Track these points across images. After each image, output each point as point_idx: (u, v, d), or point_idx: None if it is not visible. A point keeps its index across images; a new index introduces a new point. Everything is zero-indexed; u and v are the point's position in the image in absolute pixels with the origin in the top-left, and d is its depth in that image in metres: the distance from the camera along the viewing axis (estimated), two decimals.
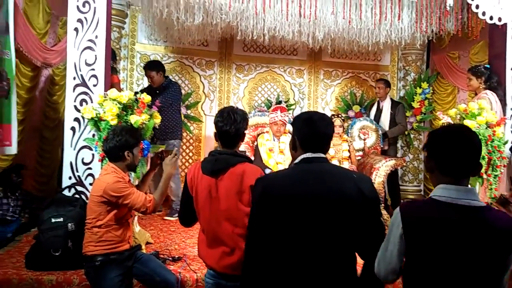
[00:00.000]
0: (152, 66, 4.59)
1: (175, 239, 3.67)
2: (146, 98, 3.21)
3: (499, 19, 3.84)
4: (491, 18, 3.83)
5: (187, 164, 5.72)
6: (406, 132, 5.97)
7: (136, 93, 3.31)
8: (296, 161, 1.70)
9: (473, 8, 3.76)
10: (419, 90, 5.98)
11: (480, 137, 3.39)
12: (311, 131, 1.71)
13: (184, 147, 5.73)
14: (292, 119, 1.89)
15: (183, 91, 5.69)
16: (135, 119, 3.08)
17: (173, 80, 4.98)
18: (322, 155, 1.69)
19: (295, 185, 1.61)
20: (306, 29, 4.28)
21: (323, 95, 6.18)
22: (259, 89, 5.99)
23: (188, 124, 5.67)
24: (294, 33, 4.30)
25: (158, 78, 4.56)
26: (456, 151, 1.47)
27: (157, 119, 3.34)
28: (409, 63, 6.11)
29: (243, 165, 1.99)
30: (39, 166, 4.53)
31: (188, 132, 5.68)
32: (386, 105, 5.39)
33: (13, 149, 3.54)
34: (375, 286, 1.64)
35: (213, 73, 5.83)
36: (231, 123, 2.03)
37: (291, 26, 4.13)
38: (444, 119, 3.63)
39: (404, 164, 5.42)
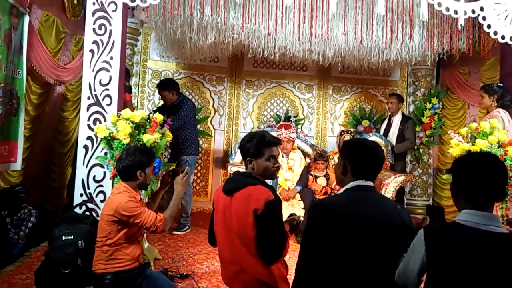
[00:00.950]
0: (164, 86, 4.62)
1: (183, 255, 3.65)
2: (159, 117, 3.22)
3: (511, 38, 3.81)
4: (502, 37, 3.80)
5: (195, 177, 5.72)
6: (416, 147, 5.92)
7: (150, 113, 3.33)
8: (348, 186, 1.75)
9: (485, 28, 3.73)
10: (428, 105, 5.93)
11: None
12: (367, 158, 1.75)
13: None
14: (339, 145, 1.93)
15: None
16: (147, 138, 3.08)
17: (186, 96, 4.99)
18: (372, 183, 1.75)
19: (352, 210, 1.65)
20: (317, 48, 4.29)
21: (332, 110, 6.17)
22: (268, 104, 6.00)
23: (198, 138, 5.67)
24: (305, 51, 4.32)
25: (170, 97, 4.60)
26: (482, 180, 1.50)
27: (169, 137, 3.34)
28: (419, 79, 6.08)
29: (253, 188, 2.01)
30: (49, 180, 4.55)
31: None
32: (396, 120, 5.37)
33: (17, 165, 3.62)
34: None
35: (223, 88, 5.87)
36: (246, 141, 2.12)
37: (301, 45, 4.14)
38: (455, 138, 3.58)
39: (414, 180, 5.36)
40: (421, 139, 5.90)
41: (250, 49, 4.39)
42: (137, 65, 5.56)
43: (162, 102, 5.27)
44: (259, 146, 2.09)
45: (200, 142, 5.72)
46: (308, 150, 5.15)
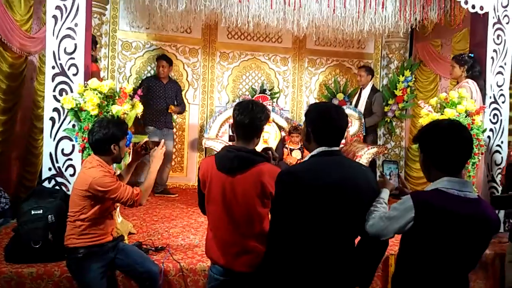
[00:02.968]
0: (169, 59, 5.11)
1: (158, 229, 3.64)
2: (128, 88, 3.13)
3: (481, 8, 3.87)
4: (473, 6, 3.86)
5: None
6: (388, 120, 6.02)
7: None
8: (314, 153, 1.73)
9: None
10: (401, 78, 6.00)
11: None
12: (328, 126, 1.73)
13: None
14: (305, 111, 1.85)
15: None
16: (116, 109, 3.01)
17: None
18: (337, 148, 1.74)
19: (320, 177, 1.65)
20: (291, 17, 4.23)
21: (307, 83, 6.16)
22: (243, 77, 5.93)
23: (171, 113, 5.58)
24: (279, 20, 4.26)
25: (168, 71, 5.07)
26: (451, 148, 1.60)
27: (139, 109, 3.27)
28: (393, 51, 6.12)
29: (263, 166, 1.89)
30: (29, 155, 4.42)
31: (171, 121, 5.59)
32: (365, 93, 5.46)
33: None
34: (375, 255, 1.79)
35: (197, 60, 5.74)
36: (247, 112, 1.94)
37: (275, 14, 4.08)
38: (425, 108, 3.65)
39: (386, 151, 5.48)
40: (394, 112, 6.00)
41: (223, 18, 4.29)
42: (106, 35, 5.36)
43: (135, 75, 5.17)
44: (266, 120, 2.02)
45: (175, 116, 5.64)
46: (283, 123, 5.16)
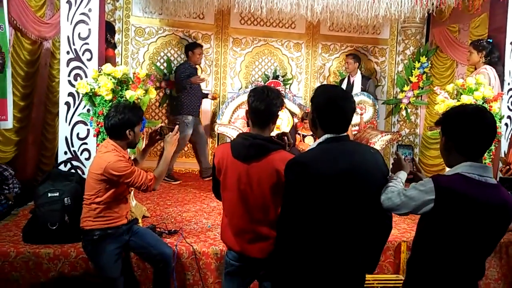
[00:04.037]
0: (202, 46, 5.22)
1: (172, 213, 3.69)
2: (141, 73, 3.15)
3: None
4: None
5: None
6: (403, 106, 5.95)
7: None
8: (321, 140, 1.70)
9: None
10: (417, 65, 5.89)
11: None
12: (335, 112, 1.69)
13: None
14: (312, 95, 1.80)
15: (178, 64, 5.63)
16: (130, 94, 3.03)
17: None
18: (344, 134, 1.72)
19: (327, 166, 1.62)
20: (305, 2, 4.16)
21: (321, 70, 6.10)
22: (256, 63, 5.90)
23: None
24: (293, 6, 4.20)
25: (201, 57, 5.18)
26: (476, 133, 1.59)
27: (152, 94, 3.29)
28: (409, 37, 5.99)
29: (278, 154, 1.88)
30: (45, 140, 4.51)
31: None
32: (357, 80, 5.46)
33: (8, 124, 3.51)
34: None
35: (210, 46, 5.72)
36: (262, 99, 1.91)
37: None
38: (441, 94, 3.59)
39: (400, 138, 5.42)
40: (409, 98, 5.91)
41: (236, 4, 4.25)
42: (119, 21, 5.37)
43: (148, 61, 5.19)
44: (281, 106, 1.99)
45: None
46: (296, 109, 5.14)
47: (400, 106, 5.99)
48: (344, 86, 5.52)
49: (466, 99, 3.42)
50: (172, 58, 5.61)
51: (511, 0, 3.85)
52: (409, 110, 5.99)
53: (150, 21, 5.50)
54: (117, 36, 5.31)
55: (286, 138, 2.11)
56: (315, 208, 1.62)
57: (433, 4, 4.24)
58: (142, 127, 3.11)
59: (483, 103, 3.45)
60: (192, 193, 4.53)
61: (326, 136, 1.69)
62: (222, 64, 5.78)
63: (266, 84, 4.89)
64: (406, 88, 5.90)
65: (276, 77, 5.75)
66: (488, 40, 3.95)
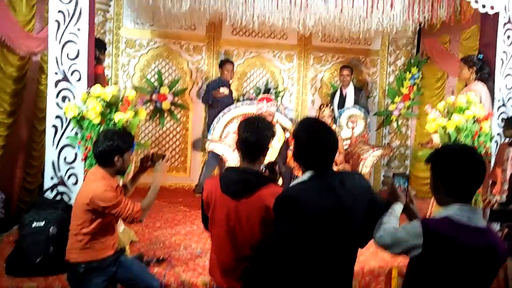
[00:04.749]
0: (232, 62, 5.30)
1: (161, 236, 3.61)
2: (131, 95, 3.08)
3: (492, 8, 3.76)
4: (483, 6, 3.75)
5: (173, 152, 5.63)
6: (394, 118, 5.94)
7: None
8: (305, 179, 1.66)
9: None
10: (408, 76, 5.89)
11: (466, 132, 3.39)
12: (319, 151, 1.66)
13: (171, 135, 5.63)
14: (294, 128, 1.79)
15: (170, 78, 5.57)
16: (119, 117, 2.96)
17: None
18: (329, 169, 1.69)
19: (317, 200, 1.60)
20: (297, 16, 4.15)
21: (313, 81, 6.08)
22: (248, 74, 5.86)
23: (175, 111, 5.54)
24: (285, 20, 4.18)
25: (233, 73, 5.29)
26: (465, 175, 1.57)
27: (142, 116, 3.22)
28: (400, 47, 6.00)
29: (268, 189, 1.84)
30: (30, 159, 4.39)
31: (175, 120, 5.57)
32: (350, 92, 5.46)
33: None
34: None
35: (201, 58, 5.67)
36: (253, 130, 1.89)
37: (281, 13, 3.99)
38: (432, 113, 3.58)
39: (391, 153, 5.41)
40: (400, 110, 5.90)
41: (228, 17, 4.20)
42: (110, 33, 5.29)
43: (139, 73, 5.08)
44: (272, 138, 1.97)
45: (178, 115, 5.60)
46: (287, 124, 5.09)
47: (391, 118, 5.98)
48: (336, 98, 5.50)
49: (457, 119, 3.41)
50: (163, 71, 5.54)
51: (501, 16, 3.84)
52: (400, 122, 5.99)
53: (141, 32, 5.43)
54: (107, 48, 5.23)
55: (277, 167, 2.07)
56: (303, 242, 1.59)
57: (424, 17, 4.24)
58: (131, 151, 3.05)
59: (474, 122, 3.44)
60: (182, 211, 4.45)
61: (308, 174, 1.66)
62: (214, 76, 5.72)
63: (258, 97, 4.84)
64: (397, 99, 5.90)
65: (267, 90, 5.71)
66: (479, 56, 3.94)
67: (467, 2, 3.75)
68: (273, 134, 1.97)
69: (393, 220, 1.70)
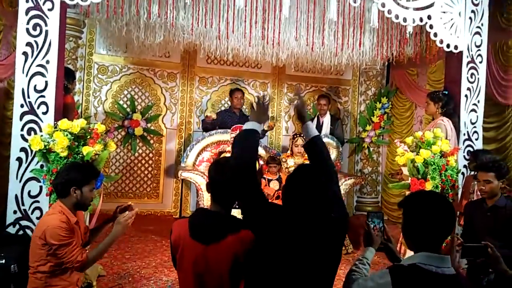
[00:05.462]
0: (241, 90, 5.34)
1: (130, 269, 3.51)
2: (100, 127, 3.02)
3: (455, 47, 3.94)
4: (448, 46, 3.92)
5: (145, 178, 5.53)
6: (365, 146, 6.08)
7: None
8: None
9: (432, 36, 3.83)
10: (378, 105, 6.08)
11: (434, 166, 3.49)
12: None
13: (143, 161, 5.54)
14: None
15: (143, 104, 5.52)
16: (87, 150, 2.89)
17: None
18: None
19: (283, 239, 1.63)
20: (270, 51, 4.23)
21: (287, 109, 6.16)
22: (223, 102, 5.88)
23: (148, 138, 5.48)
24: (258, 54, 4.24)
25: (243, 102, 5.34)
26: (433, 224, 1.59)
27: (112, 148, 3.15)
28: (370, 78, 6.19)
29: (238, 235, 1.77)
30: None
31: (148, 147, 5.49)
32: (326, 121, 5.55)
33: None
34: None
35: (175, 85, 5.67)
36: (224, 172, 1.82)
37: (254, 48, 4.05)
38: (401, 147, 3.67)
39: (363, 182, 5.50)
40: (371, 138, 6.05)
41: (202, 49, 4.24)
42: (82, 59, 5.22)
43: (111, 99, 4.99)
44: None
45: (151, 141, 5.53)
46: (261, 151, 5.11)
47: (363, 145, 6.13)
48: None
49: (425, 153, 3.51)
50: (136, 97, 5.49)
51: (465, 55, 4.02)
52: (371, 149, 6.13)
53: (114, 59, 5.39)
54: (78, 74, 5.16)
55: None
56: (269, 273, 1.60)
57: (392, 54, 4.40)
58: (99, 183, 2.96)
59: (440, 157, 3.55)
60: (153, 241, 4.34)
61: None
62: (188, 103, 5.71)
63: (231, 128, 4.84)
64: (368, 127, 6.06)
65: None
66: (444, 91, 4.10)
67: (433, 41, 3.92)
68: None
69: (362, 269, 1.72)
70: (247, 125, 1.92)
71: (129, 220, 2.29)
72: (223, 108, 5.66)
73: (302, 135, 4.91)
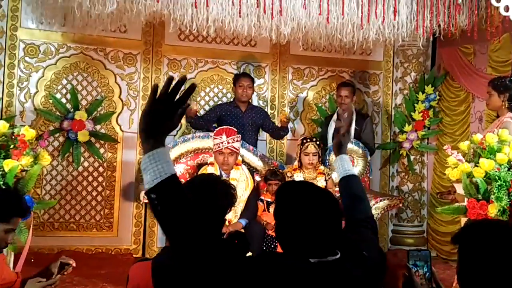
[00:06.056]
0: (249, 76, 5.55)
1: None
2: (28, 133, 3.03)
3: None
4: None
5: (94, 203, 5.54)
6: (404, 153, 6.10)
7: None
8: None
9: (493, 2, 3.88)
10: (421, 96, 6.11)
11: (499, 182, 3.51)
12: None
13: (90, 178, 5.57)
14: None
15: (89, 98, 5.53)
16: (10, 165, 2.90)
17: None
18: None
19: None
20: (267, 22, 4.26)
21: (292, 102, 6.19)
22: (202, 93, 5.92)
23: (97, 145, 5.49)
24: (251, 27, 4.28)
25: (252, 92, 5.50)
26: (508, 272, 1.56)
27: (45, 161, 3.16)
28: (409, 59, 6.24)
29: None
30: None
31: (96, 158, 5.50)
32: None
33: None
34: None
35: (135, 71, 5.69)
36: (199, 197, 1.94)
37: (246, 19, 4.09)
38: (453, 155, 3.70)
39: (402, 204, 5.52)
40: (412, 142, 6.08)
41: (171, 21, 4.26)
42: (2, 35, 5.22)
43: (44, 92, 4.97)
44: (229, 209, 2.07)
45: (102, 150, 5.53)
46: (257, 163, 5.14)
47: (401, 153, 6.15)
48: (332, 126, 5.57)
49: (487, 164, 3.53)
50: (79, 87, 5.51)
51: None
52: (412, 158, 6.15)
53: (48, 35, 5.42)
54: None
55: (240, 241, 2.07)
56: None
57: (439, 26, 4.45)
58: (27, 215, 2.97)
59: (509, 168, 3.57)
60: None
61: None
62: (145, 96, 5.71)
63: (215, 132, 4.84)
64: (407, 128, 6.09)
65: None
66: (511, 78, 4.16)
67: (494, 7, 3.97)
68: (229, 203, 1.97)
69: None
70: None
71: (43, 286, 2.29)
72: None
73: (315, 139, 4.96)
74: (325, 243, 1.66)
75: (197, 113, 5.27)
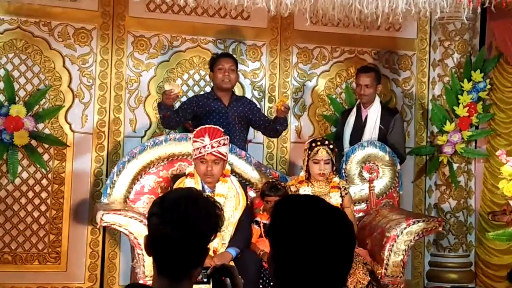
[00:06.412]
0: (231, 55, 5.62)
1: None
2: None
3: None
4: None
5: (35, 226, 5.56)
6: (445, 160, 6.12)
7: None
8: None
9: None
10: (467, 85, 6.14)
11: None
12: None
13: (30, 194, 5.60)
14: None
15: (29, 87, 5.56)
16: None
17: None
18: None
19: None
20: None
21: (297, 93, 6.22)
22: (178, 81, 5.91)
23: (40, 150, 5.53)
24: None
25: (236, 77, 5.46)
26: None
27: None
28: (451, 37, 6.27)
29: None
30: None
31: (39, 167, 5.53)
32: (373, 115, 5.64)
33: None
34: None
35: (89, 51, 5.73)
36: (175, 220, 1.91)
37: None
38: (509, 163, 3.74)
39: (441, 228, 5.54)
40: (455, 145, 6.10)
41: None
42: None
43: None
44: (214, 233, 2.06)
45: (46, 156, 5.55)
46: (252, 174, 5.15)
47: (440, 160, 6.19)
48: (349, 124, 5.68)
49: None
50: (16, 74, 5.54)
51: None
52: (455, 167, 6.18)
53: None
54: None
55: (228, 280, 2.10)
56: None
57: None
58: None
59: None
60: None
61: None
62: (114, 84, 5.74)
63: (194, 132, 4.84)
64: (448, 127, 6.10)
65: None
66: None
67: None
68: (214, 227, 2.00)
69: None
70: None
71: None
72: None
73: (327, 142, 4.97)
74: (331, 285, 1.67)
75: (178, 100, 5.21)
